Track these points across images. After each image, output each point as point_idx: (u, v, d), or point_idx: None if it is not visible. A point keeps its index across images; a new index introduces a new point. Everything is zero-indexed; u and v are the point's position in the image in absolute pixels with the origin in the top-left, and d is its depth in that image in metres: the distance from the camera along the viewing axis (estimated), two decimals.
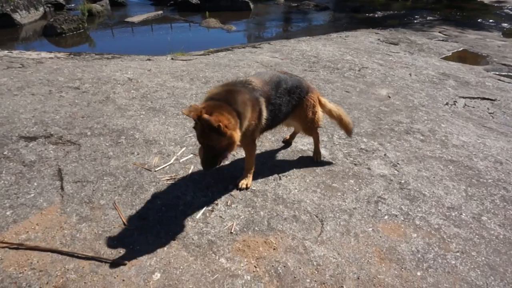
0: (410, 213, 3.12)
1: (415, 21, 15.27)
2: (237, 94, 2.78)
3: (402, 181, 3.55)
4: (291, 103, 3.27)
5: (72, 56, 7.02)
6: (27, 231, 2.63)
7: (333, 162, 3.78)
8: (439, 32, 12.46)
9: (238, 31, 17.29)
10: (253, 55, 7.67)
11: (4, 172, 3.20)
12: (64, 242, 2.57)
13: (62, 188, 3.08)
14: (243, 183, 3.24)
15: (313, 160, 3.76)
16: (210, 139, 2.53)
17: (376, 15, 18.59)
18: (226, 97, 2.71)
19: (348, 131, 3.74)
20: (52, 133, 3.84)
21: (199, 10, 19.82)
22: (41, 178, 3.17)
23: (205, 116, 2.42)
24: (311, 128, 3.55)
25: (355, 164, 3.77)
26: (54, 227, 2.69)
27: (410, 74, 7.15)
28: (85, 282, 2.30)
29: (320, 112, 3.51)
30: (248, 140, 3.06)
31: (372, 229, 2.92)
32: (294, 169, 3.61)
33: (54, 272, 2.34)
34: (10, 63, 5.93)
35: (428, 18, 16.24)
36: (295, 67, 6.84)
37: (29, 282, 2.27)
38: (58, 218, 2.77)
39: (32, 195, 2.97)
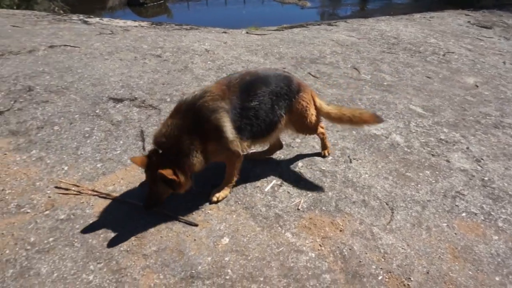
0: (492, 213, 2.88)
1: None
2: (181, 142, 2.44)
3: (486, 178, 3.27)
4: (278, 108, 2.75)
5: (154, 25, 7.37)
6: (114, 184, 2.90)
7: (408, 150, 3.59)
8: None
9: (312, 8, 16.81)
10: (329, 33, 7.42)
11: (96, 128, 3.53)
12: (143, 197, 2.79)
13: (143, 148, 3.32)
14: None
15: (321, 155, 3.38)
16: (158, 187, 2.49)
17: None
18: (174, 149, 2.45)
19: (369, 124, 3.19)
20: (136, 96, 4.13)
21: None
22: (126, 137, 3.44)
23: (163, 172, 2.33)
24: (309, 129, 3.10)
25: (432, 155, 3.55)
26: (136, 183, 2.92)
27: (504, 62, 6.43)
28: (161, 236, 2.50)
29: (314, 110, 3.00)
30: (227, 154, 2.68)
31: (447, 225, 2.75)
32: (366, 153, 3.49)
33: (134, 222, 2.56)
34: (101, 29, 6.40)
35: None
36: (373, 48, 6.50)
37: (115, 228, 2.52)
38: (139, 175, 3.00)
39: (118, 152, 3.25)
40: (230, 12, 17.17)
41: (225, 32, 7.04)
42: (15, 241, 2.40)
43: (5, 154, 3.16)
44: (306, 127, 3.04)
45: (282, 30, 7.73)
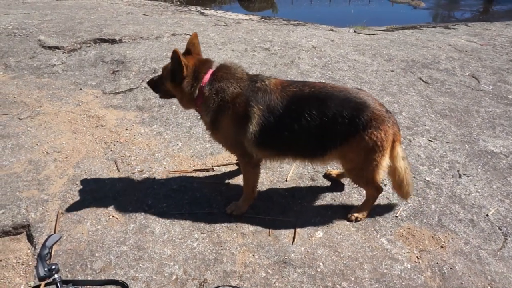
0: None
1: None
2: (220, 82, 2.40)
3: None
4: (328, 136, 2.31)
5: (263, 19, 7.65)
6: (219, 163, 3.16)
7: None
8: None
9: (427, 9, 15.59)
10: (445, 36, 6.86)
11: None
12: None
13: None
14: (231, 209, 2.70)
15: (347, 217, 2.66)
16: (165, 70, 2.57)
17: None
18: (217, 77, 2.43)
19: (402, 196, 2.66)
20: None
21: None
22: None
23: (177, 51, 2.31)
24: (360, 178, 2.52)
25: None
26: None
27: None
28: (258, 219, 2.65)
29: (384, 163, 2.37)
30: (236, 153, 2.61)
31: None
32: (479, 170, 3.20)
33: (235, 194, 2.76)
34: (217, 21, 6.88)
35: None
36: (498, 56, 5.83)
37: (219, 204, 2.75)
38: None
39: None
40: (334, 9, 16.86)
41: (332, 30, 6.99)
42: (136, 201, 2.78)
43: (133, 125, 3.64)
44: (357, 174, 2.49)
45: (392, 30, 7.38)
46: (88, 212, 2.66)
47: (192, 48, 2.53)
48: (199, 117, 2.62)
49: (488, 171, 3.20)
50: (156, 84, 2.67)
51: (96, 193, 2.83)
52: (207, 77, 2.41)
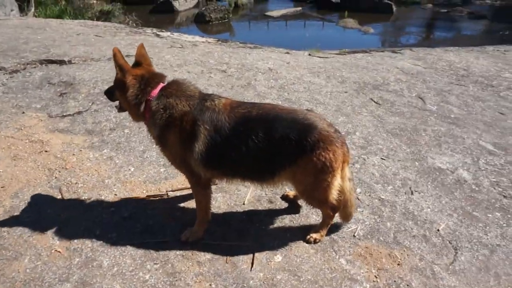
0: None
1: None
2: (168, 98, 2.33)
3: None
4: (276, 158, 2.30)
5: (220, 42, 7.71)
6: (174, 189, 3.03)
7: (476, 188, 3.36)
8: None
9: (375, 34, 16.60)
10: (393, 60, 7.27)
11: None
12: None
13: None
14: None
15: (306, 239, 2.61)
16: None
17: None
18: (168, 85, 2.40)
19: (343, 218, 2.71)
20: None
21: (338, 9, 19.70)
22: None
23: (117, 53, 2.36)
24: (312, 199, 2.49)
25: (504, 196, 3.28)
26: None
27: None
28: (215, 245, 2.54)
29: (336, 183, 2.36)
30: (183, 171, 2.52)
31: None
32: (429, 187, 3.32)
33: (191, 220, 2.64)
34: (172, 43, 6.82)
35: None
36: (440, 78, 6.24)
37: (173, 231, 2.62)
38: None
39: None
40: (290, 33, 17.45)
41: (287, 53, 7.17)
42: (83, 232, 2.58)
43: (81, 150, 3.43)
44: (309, 196, 2.46)
45: (344, 54, 7.71)
46: (26, 247, 2.42)
47: (142, 60, 2.46)
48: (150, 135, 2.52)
49: (437, 187, 3.33)
50: (110, 93, 2.59)
51: (36, 224, 2.59)
52: (155, 91, 2.34)
